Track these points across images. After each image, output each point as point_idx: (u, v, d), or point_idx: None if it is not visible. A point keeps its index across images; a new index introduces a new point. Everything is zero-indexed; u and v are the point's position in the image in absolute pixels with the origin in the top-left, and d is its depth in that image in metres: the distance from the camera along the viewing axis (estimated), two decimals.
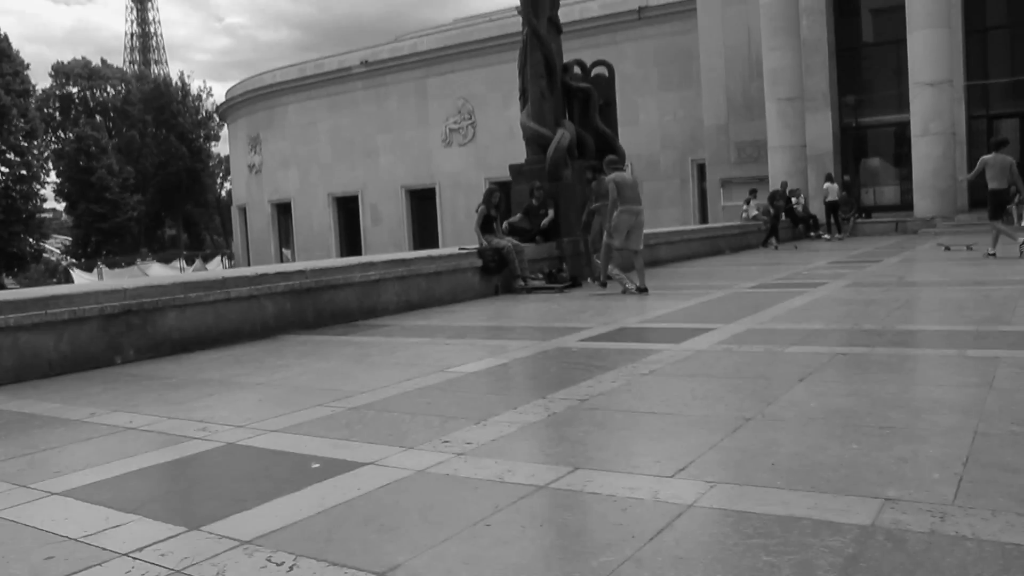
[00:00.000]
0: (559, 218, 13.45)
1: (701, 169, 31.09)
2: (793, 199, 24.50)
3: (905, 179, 26.19)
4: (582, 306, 10.14)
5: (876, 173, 29.11)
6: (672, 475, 3.43)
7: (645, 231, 11.86)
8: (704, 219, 30.33)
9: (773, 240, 21.69)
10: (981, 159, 13.88)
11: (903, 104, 24.97)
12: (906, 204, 25.78)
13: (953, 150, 24.42)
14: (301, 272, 9.25)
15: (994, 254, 13.64)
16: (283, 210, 44.23)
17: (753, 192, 24.41)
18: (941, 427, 4.03)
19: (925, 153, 24.04)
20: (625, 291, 11.13)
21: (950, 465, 3.39)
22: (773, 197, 22.98)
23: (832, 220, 24.08)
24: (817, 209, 24.99)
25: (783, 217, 23.08)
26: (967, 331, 6.90)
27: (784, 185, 23.90)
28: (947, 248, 16.24)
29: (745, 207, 24.24)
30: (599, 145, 14.70)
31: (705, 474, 3.43)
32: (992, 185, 13.51)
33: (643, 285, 11.07)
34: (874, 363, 5.74)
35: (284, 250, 44.03)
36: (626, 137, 17.14)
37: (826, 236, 23.66)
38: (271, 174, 44.15)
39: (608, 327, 8.15)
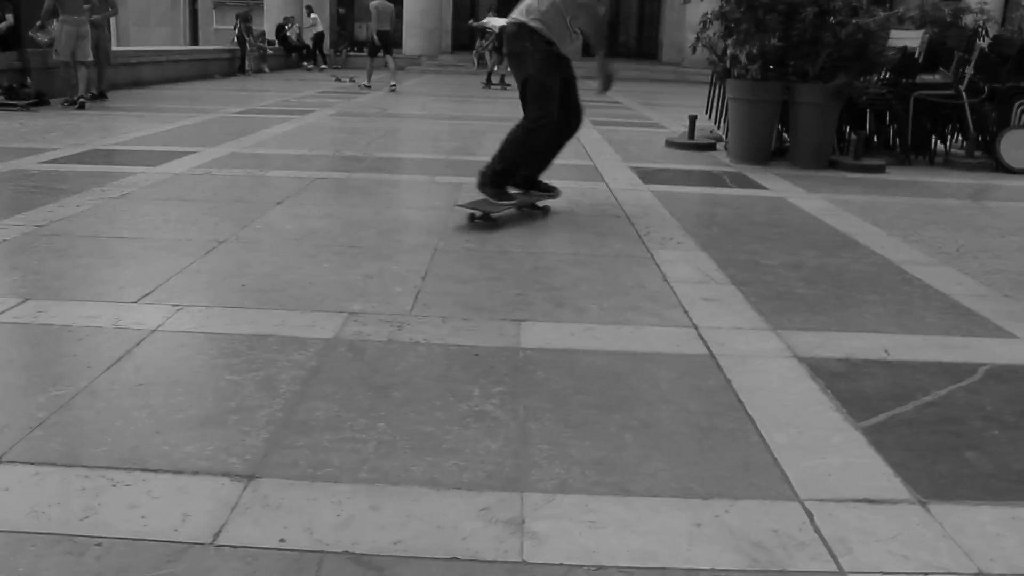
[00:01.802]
0: (20, 25, 11.61)
1: None
2: (287, 28, 24.14)
3: (399, 17, 26.99)
4: (49, 125, 9.02)
5: None
6: (136, 300, 3.22)
7: (128, 48, 11.09)
8: (195, 41, 28.59)
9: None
10: (371, 5, 16.37)
11: None
12: (398, 41, 26.67)
13: None
14: None
15: (369, 86, 16.52)
16: None
17: (238, 16, 23.43)
18: (406, 245, 4.30)
19: None
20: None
21: (410, 280, 3.63)
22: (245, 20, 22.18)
23: (318, 52, 24.33)
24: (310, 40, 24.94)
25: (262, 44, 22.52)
26: (439, 160, 7.45)
27: (244, 15, 22.95)
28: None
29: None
30: None
31: (172, 298, 3.27)
32: (378, 27, 16.30)
33: (73, 97, 10.86)
34: (352, 187, 5.93)
35: None
36: None
37: (323, 66, 23.81)
38: None
39: (78, 148, 7.36)
